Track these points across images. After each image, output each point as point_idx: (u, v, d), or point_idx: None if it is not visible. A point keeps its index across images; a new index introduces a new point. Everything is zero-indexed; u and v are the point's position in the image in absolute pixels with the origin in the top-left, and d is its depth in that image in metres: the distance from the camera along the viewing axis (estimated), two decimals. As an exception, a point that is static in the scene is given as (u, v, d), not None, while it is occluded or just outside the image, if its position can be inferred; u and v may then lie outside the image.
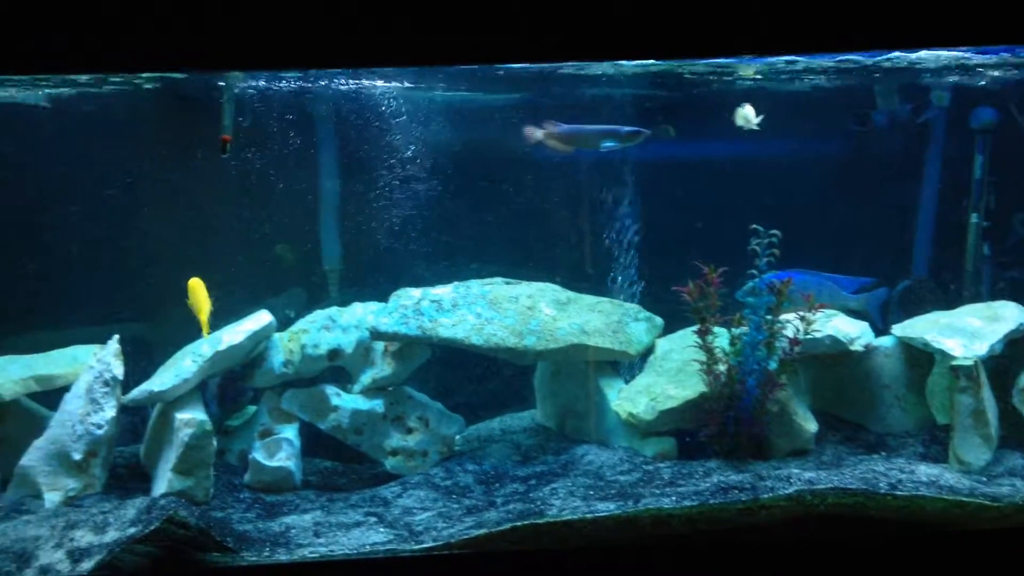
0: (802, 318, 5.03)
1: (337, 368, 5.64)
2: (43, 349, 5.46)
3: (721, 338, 5.10)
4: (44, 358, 5.36)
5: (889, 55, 5.61)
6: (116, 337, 5.20)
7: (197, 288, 5.30)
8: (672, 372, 5.42)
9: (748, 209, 5.05)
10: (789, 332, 5.02)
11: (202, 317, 5.25)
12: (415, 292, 5.64)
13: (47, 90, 5.82)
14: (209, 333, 5.27)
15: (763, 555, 4.30)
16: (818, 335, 5.18)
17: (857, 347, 5.38)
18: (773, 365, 5.02)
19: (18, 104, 6.02)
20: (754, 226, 4.95)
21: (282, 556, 4.26)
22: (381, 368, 5.54)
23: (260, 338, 5.42)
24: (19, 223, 6.04)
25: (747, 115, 5.64)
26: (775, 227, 4.92)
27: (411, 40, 3.75)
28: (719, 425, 5.02)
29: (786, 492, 4.37)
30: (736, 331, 5.06)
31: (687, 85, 6.27)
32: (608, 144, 5.40)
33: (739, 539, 4.40)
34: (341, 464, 5.71)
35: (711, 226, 6.22)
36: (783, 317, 5.05)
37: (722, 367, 5.06)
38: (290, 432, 5.40)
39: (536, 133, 5.40)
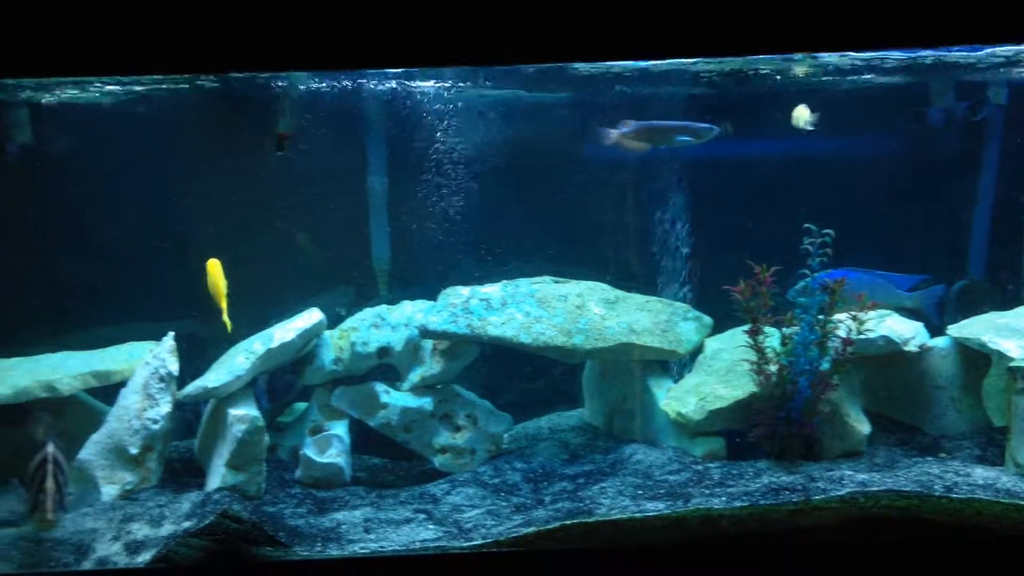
0: (855, 318, 4.97)
1: (386, 366, 5.69)
2: (100, 345, 5.57)
3: (772, 338, 5.05)
4: (101, 354, 5.47)
5: (944, 52, 5.51)
6: (171, 334, 5.30)
7: (213, 270, 5.25)
8: (722, 372, 5.38)
9: (801, 208, 5.00)
10: (842, 332, 4.96)
11: (221, 302, 5.20)
12: (464, 290, 5.66)
13: (104, 91, 5.93)
14: (228, 316, 5.22)
15: (814, 557, 4.25)
16: (871, 335, 5.11)
17: (912, 348, 5.30)
18: (825, 365, 4.96)
19: (76, 105, 6.15)
20: (807, 225, 4.90)
21: (333, 551, 4.31)
22: (430, 366, 5.57)
23: (311, 336, 5.48)
24: (78, 222, 6.18)
25: (803, 115, 5.59)
26: (829, 226, 4.87)
27: (457, 40, 3.77)
28: (770, 426, 4.97)
29: (838, 494, 4.32)
30: (787, 331, 5.01)
31: (738, 83, 6.22)
32: (683, 139, 5.40)
33: (790, 541, 4.35)
34: (390, 461, 5.75)
35: (763, 225, 6.16)
36: (836, 317, 4.99)
37: (773, 367, 5.01)
38: (340, 429, 5.46)
39: (612, 132, 5.41)
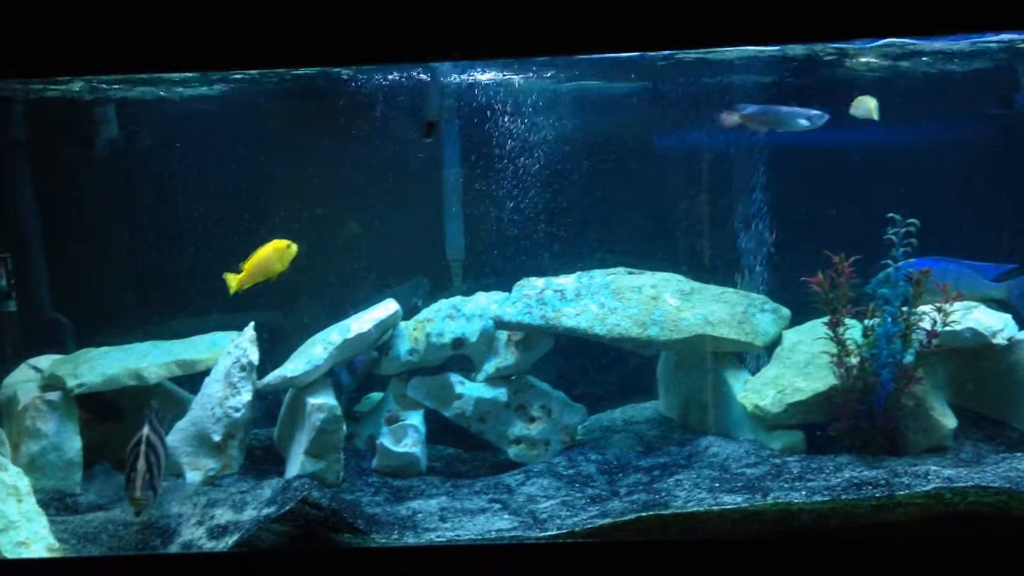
0: (940, 309, 4.84)
1: (461, 356, 5.72)
2: (185, 335, 5.71)
3: (853, 330, 4.95)
4: (185, 344, 5.60)
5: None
6: (252, 324, 5.40)
7: (273, 246, 5.25)
8: (800, 364, 5.29)
9: (883, 197, 4.90)
10: (926, 324, 4.84)
11: (249, 271, 5.19)
12: (538, 282, 5.67)
13: (189, 86, 6.07)
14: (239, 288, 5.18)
15: (898, 553, 4.16)
16: (957, 327, 4.97)
17: (1000, 340, 5.13)
18: (909, 358, 4.85)
19: (155, 102, 6.30)
20: (891, 214, 4.79)
21: (410, 539, 4.35)
22: (504, 357, 5.59)
23: (387, 327, 5.54)
24: (163, 216, 6.34)
25: (866, 105, 5.52)
26: (912, 215, 4.75)
27: (532, 30, 3.77)
28: (851, 419, 4.88)
29: (923, 489, 4.22)
30: (869, 322, 4.90)
31: (816, 70, 6.10)
32: (801, 123, 5.40)
33: (872, 537, 4.27)
34: (464, 451, 5.79)
35: (845, 215, 6.04)
36: (920, 308, 4.87)
37: (854, 360, 4.91)
38: (416, 419, 5.51)
39: (732, 116, 5.42)
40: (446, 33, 3.74)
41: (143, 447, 4.45)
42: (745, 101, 6.20)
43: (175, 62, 4.04)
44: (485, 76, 5.94)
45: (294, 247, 5.30)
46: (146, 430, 4.57)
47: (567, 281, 5.67)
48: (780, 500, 4.28)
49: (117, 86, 5.89)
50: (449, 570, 4.08)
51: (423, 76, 5.94)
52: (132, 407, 5.44)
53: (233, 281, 5.20)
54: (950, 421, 4.99)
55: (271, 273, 5.26)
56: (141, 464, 4.40)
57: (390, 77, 5.95)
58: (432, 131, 4.96)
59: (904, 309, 4.85)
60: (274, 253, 5.26)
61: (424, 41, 3.80)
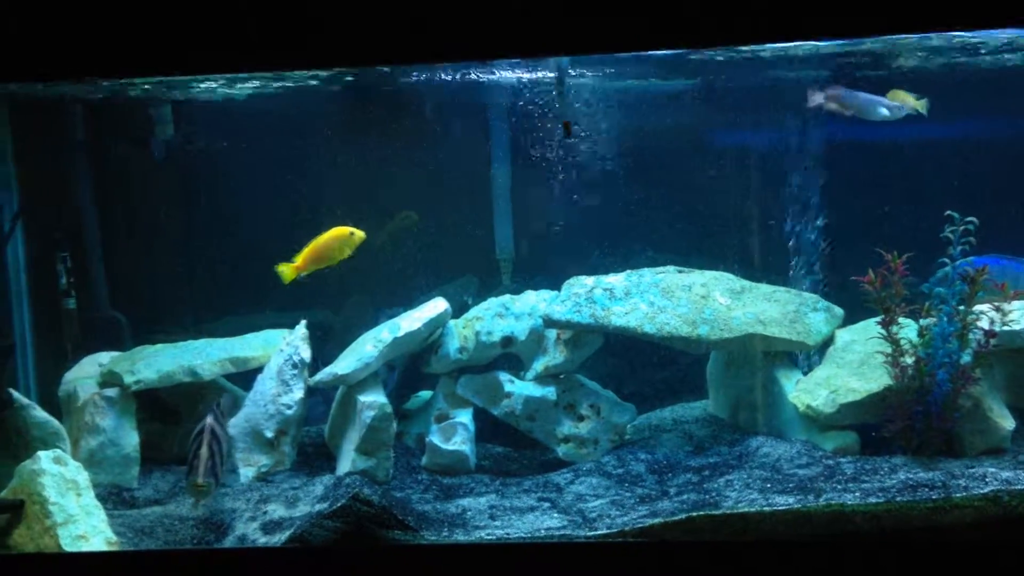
0: (998, 308, 4.75)
1: (510, 355, 5.73)
2: (239, 333, 5.79)
3: (908, 329, 4.88)
4: (239, 341, 5.67)
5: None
6: (304, 322, 5.47)
7: (335, 234, 5.29)
8: (854, 364, 5.22)
9: (940, 194, 4.82)
10: (984, 323, 4.75)
11: (305, 258, 5.22)
12: (587, 280, 5.66)
13: (242, 87, 6.15)
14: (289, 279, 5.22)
15: (954, 556, 4.09)
16: (1016, 327, 4.87)
17: (1060, 341, 5.03)
18: (966, 358, 4.76)
19: (210, 102, 6.40)
20: (948, 212, 4.71)
21: (460, 537, 4.37)
22: (553, 356, 5.59)
23: (436, 325, 5.57)
24: (217, 216, 6.44)
25: (906, 101, 5.48)
26: (970, 213, 4.66)
27: (582, 27, 3.76)
28: (906, 420, 4.80)
29: (981, 492, 4.15)
30: (924, 322, 4.83)
31: (867, 66, 6.01)
32: (882, 112, 5.37)
33: (928, 539, 4.20)
34: (513, 449, 5.80)
35: (900, 213, 5.95)
36: (977, 307, 4.78)
37: (909, 359, 4.83)
38: (465, 417, 5.53)
39: (818, 96, 5.41)
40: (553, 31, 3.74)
41: (207, 435, 4.54)
42: (797, 97, 6.15)
43: (239, 63, 4.10)
44: (536, 75, 5.94)
45: (359, 234, 5.34)
46: (210, 419, 4.63)
47: (616, 280, 5.65)
48: (833, 501, 4.23)
49: (174, 87, 5.98)
50: (498, 568, 4.10)
51: (479, 75, 5.95)
52: (187, 407, 5.54)
53: (288, 270, 5.25)
54: (1008, 423, 4.89)
55: (332, 260, 5.30)
56: (204, 451, 4.48)
57: (443, 76, 5.97)
58: (570, 130, 5.02)
59: (961, 308, 4.76)
60: (335, 240, 5.31)
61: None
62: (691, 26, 3.75)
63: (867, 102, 5.55)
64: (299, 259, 5.28)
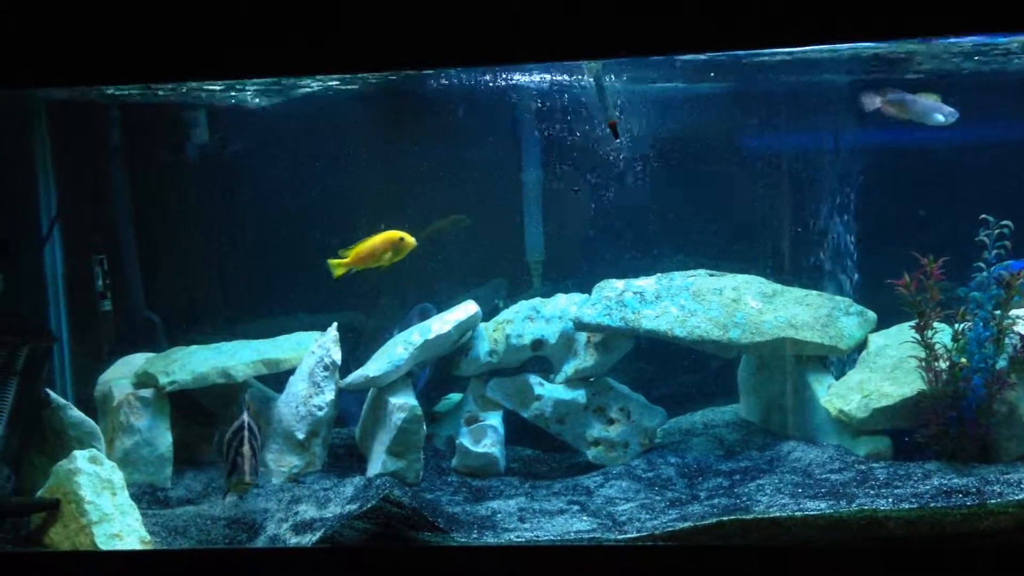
0: (1036, 314, 4.70)
1: (540, 358, 5.73)
2: (271, 335, 5.84)
3: (942, 333, 4.83)
4: (271, 343, 5.71)
5: None
6: (335, 324, 5.50)
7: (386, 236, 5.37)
8: (887, 369, 5.18)
9: (975, 197, 4.76)
10: (1021, 328, 4.69)
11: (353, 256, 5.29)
12: (618, 283, 5.65)
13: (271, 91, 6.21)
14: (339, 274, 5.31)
15: (989, 563, 4.04)
16: (1053, 332, 4.81)
17: (1099, 346, 4.95)
18: (1002, 363, 4.70)
19: (244, 107, 6.47)
20: (983, 216, 4.66)
21: (489, 539, 4.38)
22: (584, 359, 5.58)
23: (467, 328, 5.58)
24: (250, 219, 6.51)
25: (947, 108, 5.45)
26: (1007, 217, 4.61)
27: (615, 29, 3.76)
28: (940, 425, 4.75)
29: (1017, 498, 4.10)
30: (959, 326, 4.77)
31: (903, 68, 5.96)
32: (937, 118, 5.36)
33: (962, 546, 4.15)
34: (542, 452, 5.80)
35: (935, 217, 5.89)
36: (1014, 312, 4.72)
37: (943, 364, 4.78)
38: (495, 419, 5.54)
39: (876, 100, 5.41)
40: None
41: (247, 432, 4.50)
42: (828, 100, 6.11)
43: (274, 68, 4.15)
44: (567, 78, 5.95)
45: (410, 240, 5.39)
46: (247, 417, 4.64)
47: (647, 283, 5.64)
48: (866, 507, 4.19)
49: (207, 91, 6.05)
50: (527, 571, 4.10)
51: (516, 77, 5.96)
52: (221, 408, 5.59)
53: (339, 266, 5.30)
54: (1045, 429, 4.83)
55: (380, 262, 5.36)
56: (247, 449, 4.44)
57: (474, 79, 5.99)
58: (616, 130, 5.03)
59: (997, 313, 4.70)
60: (387, 242, 5.36)
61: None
62: (724, 29, 3.74)
63: (926, 107, 5.52)
64: (351, 255, 5.34)
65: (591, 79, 5.13)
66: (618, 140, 5.14)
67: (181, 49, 3.96)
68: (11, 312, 5.29)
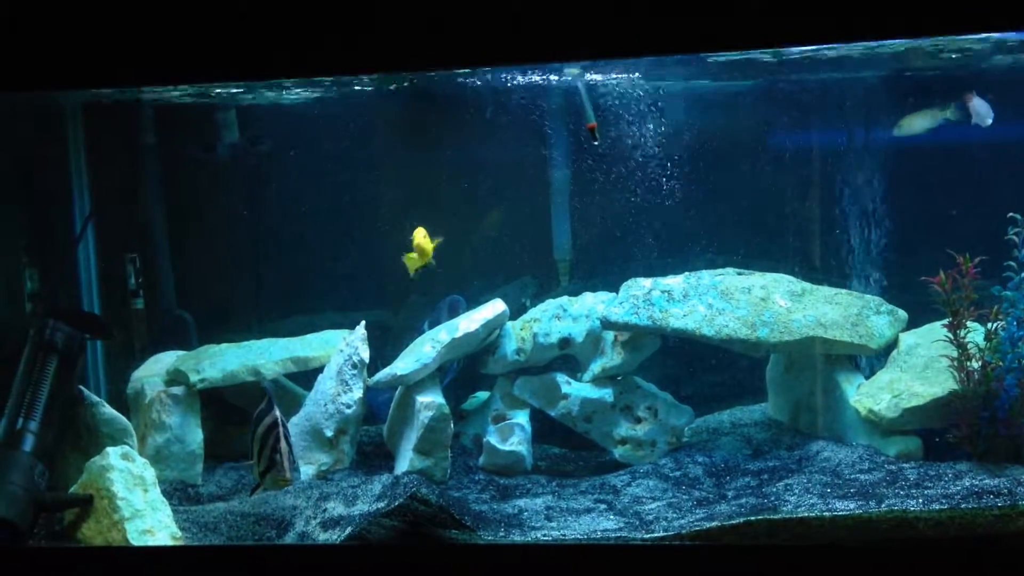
0: (1069, 312, 4.63)
1: (567, 356, 5.74)
2: (300, 333, 5.88)
3: (974, 333, 4.78)
4: (300, 341, 5.75)
5: None
6: (363, 323, 5.54)
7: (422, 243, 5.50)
8: (918, 368, 5.13)
9: (1006, 196, 4.71)
10: (1054, 328, 4.63)
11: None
12: (645, 282, 5.64)
13: (301, 91, 6.25)
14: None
15: (1020, 565, 3.99)
16: (1088, 332, 4.74)
17: None
18: (1035, 363, 4.65)
19: (273, 106, 6.52)
20: (1012, 214, 4.60)
21: (516, 537, 4.39)
22: (611, 357, 5.58)
23: (494, 326, 5.59)
24: (279, 218, 6.56)
25: (976, 108, 5.40)
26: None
27: (640, 28, 3.75)
28: (972, 426, 4.70)
29: (1050, 500, 4.05)
30: (992, 325, 4.72)
31: (935, 66, 5.90)
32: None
33: (993, 547, 4.11)
34: (569, 451, 5.80)
35: (966, 215, 5.83)
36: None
37: (976, 364, 4.73)
38: (522, 418, 5.54)
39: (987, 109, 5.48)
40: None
41: (281, 429, 4.37)
42: (854, 98, 6.06)
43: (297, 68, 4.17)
44: (592, 77, 5.94)
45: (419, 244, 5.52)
46: (278, 413, 4.57)
47: (675, 282, 5.62)
48: (895, 507, 4.16)
49: (239, 91, 6.11)
50: (554, 569, 4.10)
51: (544, 77, 5.96)
52: (251, 406, 5.63)
53: (414, 263, 5.48)
54: (1079, 429, 4.76)
55: (428, 257, 5.49)
56: (284, 445, 4.32)
57: (503, 78, 5.99)
58: (596, 135, 4.99)
59: (1030, 312, 4.66)
60: (424, 239, 5.50)
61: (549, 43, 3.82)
62: (750, 27, 3.72)
63: (986, 110, 5.52)
64: (418, 252, 5.51)
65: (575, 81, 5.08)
66: (596, 143, 5.07)
67: (213, 50, 4.00)
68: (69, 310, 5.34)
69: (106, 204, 6.26)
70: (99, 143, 6.26)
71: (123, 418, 5.08)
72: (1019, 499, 4.10)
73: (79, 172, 6.20)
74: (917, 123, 5.63)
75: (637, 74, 5.97)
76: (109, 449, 4.55)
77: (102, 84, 4.99)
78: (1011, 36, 5.24)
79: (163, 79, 4.67)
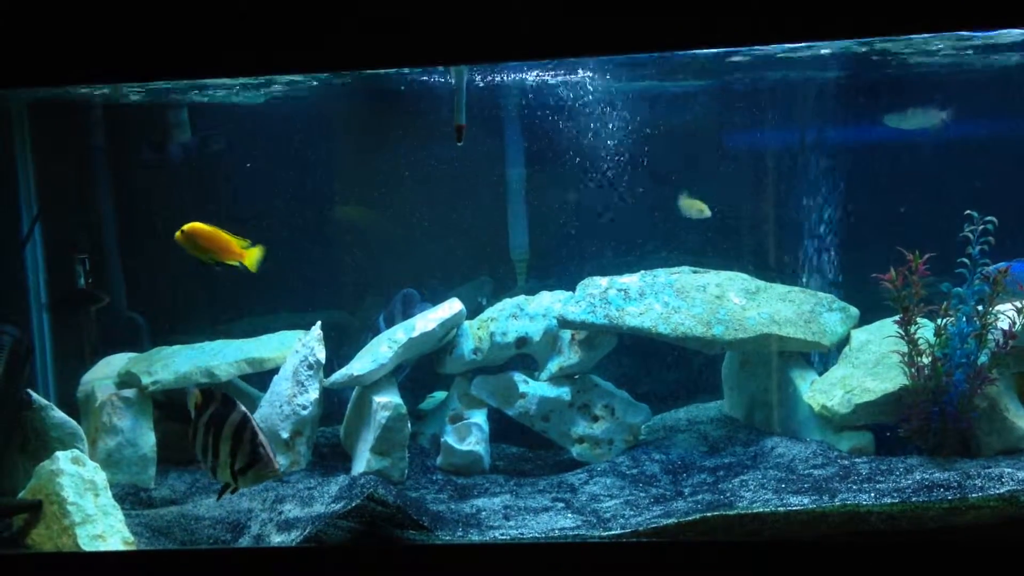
0: (1020, 310, 4.72)
1: (525, 356, 5.74)
2: (254, 334, 5.82)
3: (924, 329, 4.85)
4: (255, 342, 5.70)
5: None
6: (319, 323, 5.49)
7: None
8: (869, 364, 5.20)
9: (958, 194, 4.79)
10: (1004, 324, 4.72)
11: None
12: (602, 281, 5.66)
13: (254, 91, 6.19)
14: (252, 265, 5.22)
15: (969, 557, 4.06)
16: (1035, 327, 4.84)
17: (1078, 341, 4.99)
18: (983, 359, 4.73)
19: (225, 105, 6.44)
20: (968, 212, 4.68)
21: (474, 536, 4.38)
22: (568, 356, 5.59)
23: (451, 326, 5.58)
24: (232, 218, 6.47)
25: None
26: (990, 213, 4.64)
27: (595, 28, 3.76)
28: (922, 420, 4.78)
29: (997, 492, 4.13)
30: (942, 321, 4.80)
31: (882, 65, 5.99)
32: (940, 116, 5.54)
33: (943, 540, 4.18)
34: (527, 450, 5.81)
35: (916, 213, 5.92)
36: (996, 308, 4.75)
37: (926, 359, 4.81)
38: (479, 417, 5.54)
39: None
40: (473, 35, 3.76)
41: (252, 423, 4.11)
42: (814, 98, 6.13)
43: (246, 67, 4.13)
44: (548, 76, 5.95)
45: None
46: (242, 408, 4.39)
47: (631, 280, 5.65)
48: (848, 502, 4.22)
49: (192, 91, 6.03)
50: (512, 568, 4.10)
51: (493, 76, 5.95)
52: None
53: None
54: (1026, 423, 4.87)
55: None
56: (263, 437, 4.09)
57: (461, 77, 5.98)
58: (461, 135, 4.92)
59: (980, 308, 4.73)
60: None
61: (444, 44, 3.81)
62: (704, 26, 3.74)
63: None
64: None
65: (452, 79, 5.05)
66: (460, 144, 5.01)
67: (167, 48, 3.94)
68: None
69: (54, 205, 6.14)
70: (46, 143, 6.14)
71: (73, 422, 5.00)
72: (968, 492, 4.17)
73: (25, 172, 6.07)
74: (915, 119, 5.69)
75: (589, 72, 6.00)
76: (59, 453, 4.48)
77: (47, 83, 4.91)
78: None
79: (110, 77, 4.58)
